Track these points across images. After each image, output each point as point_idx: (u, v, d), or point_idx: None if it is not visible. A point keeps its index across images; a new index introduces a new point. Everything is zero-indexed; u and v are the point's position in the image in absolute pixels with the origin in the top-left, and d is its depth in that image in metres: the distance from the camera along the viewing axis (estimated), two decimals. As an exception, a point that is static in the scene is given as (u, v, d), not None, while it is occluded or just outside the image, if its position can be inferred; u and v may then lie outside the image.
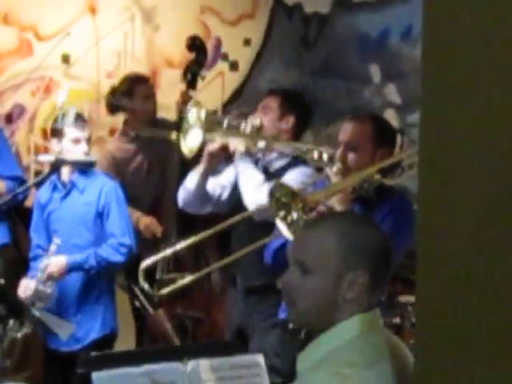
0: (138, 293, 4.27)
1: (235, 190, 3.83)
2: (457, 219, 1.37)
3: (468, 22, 1.35)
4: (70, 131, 4.08)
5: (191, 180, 3.90)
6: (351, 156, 3.42)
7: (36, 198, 4.35)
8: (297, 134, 3.91)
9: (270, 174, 3.77)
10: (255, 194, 3.59)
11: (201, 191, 3.89)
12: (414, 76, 4.50)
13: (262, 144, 3.78)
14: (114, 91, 4.95)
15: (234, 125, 3.86)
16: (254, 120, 3.83)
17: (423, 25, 1.41)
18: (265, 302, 3.75)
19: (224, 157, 3.91)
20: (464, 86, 1.36)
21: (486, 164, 1.34)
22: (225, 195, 3.93)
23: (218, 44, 5.43)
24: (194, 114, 3.80)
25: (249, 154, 3.78)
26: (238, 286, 3.90)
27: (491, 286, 1.34)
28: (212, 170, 3.91)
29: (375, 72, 5.07)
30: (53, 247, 3.99)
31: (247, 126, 3.80)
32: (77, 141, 4.06)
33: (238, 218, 3.52)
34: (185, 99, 4.44)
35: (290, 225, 3.03)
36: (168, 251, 3.79)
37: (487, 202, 1.33)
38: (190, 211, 4.02)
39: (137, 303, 4.39)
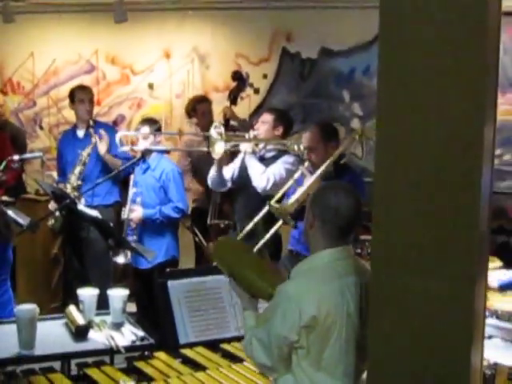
0: (197, 232, 6.06)
1: (241, 173, 5.40)
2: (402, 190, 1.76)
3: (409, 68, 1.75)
4: (143, 130, 5.79)
5: (212, 171, 5.49)
6: (313, 156, 4.82)
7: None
8: (284, 138, 5.28)
9: (265, 161, 5.31)
10: (260, 178, 5.17)
11: (219, 177, 5.48)
12: (370, 97, 6.63)
13: (261, 145, 5.36)
14: (188, 105, 6.97)
15: (242, 135, 5.45)
16: (254, 131, 5.34)
17: (379, 65, 1.82)
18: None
19: (227, 157, 5.53)
20: (404, 103, 1.79)
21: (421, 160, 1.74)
22: (235, 176, 5.48)
23: (247, 77, 7.21)
24: (215, 133, 5.14)
25: (253, 151, 5.30)
26: (238, 230, 5.26)
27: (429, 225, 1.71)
28: (221, 165, 5.44)
29: (346, 95, 7.18)
30: (137, 202, 5.72)
31: (250, 135, 5.31)
32: (145, 137, 5.75)
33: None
34: (228, 112, 6.47)
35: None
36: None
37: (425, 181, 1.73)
38: (215, 189, 5.75)
39: (196, 239, 6.10)
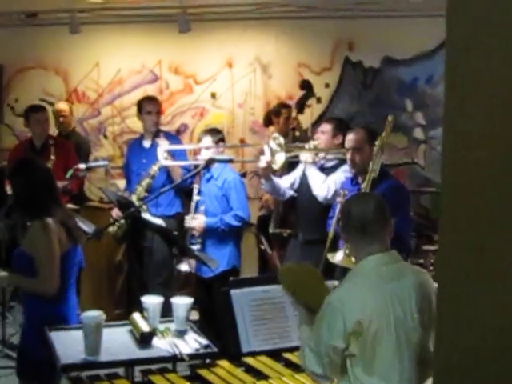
0: (263, 239, 6.22)
1: (302, 182, 5.51)
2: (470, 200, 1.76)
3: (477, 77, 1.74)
4: (205, 140, 5.87)
5: (263, 182, 5.66)
6: (357, 156, 4.88)
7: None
8: (344, 146, 5.15)
9: (325, 170, 5.42)
10: (320, 187, 5.26)
11: (273, 187, 5.58)
12: (434, 107, 6.67)
13: (321, 154, 5.46)
14: (266, 115, 7.23)
15: (302, 145, 5.53)
16: (314, 141, 5.43)
17: (446, 74, 1.81)
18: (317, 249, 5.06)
19: (271, 169, 5.48)
20: (472, 112, 1.79)
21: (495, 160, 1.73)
22: (295, 186, 5.60)
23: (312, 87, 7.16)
24: (275, 144, 5.29)
25: (313, 161, 5.41)
26: (299, 238, 5.46)
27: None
28: (267, 177, 5.49)
29: (409, 104, 7.14)
30: (201, 210, 5.79)
31: (310, 145, 5.42)
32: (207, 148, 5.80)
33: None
34: (295, 122, 6.56)
35: None
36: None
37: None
38: (271, 195, 6.01)
39: (261, 246, 6.28)
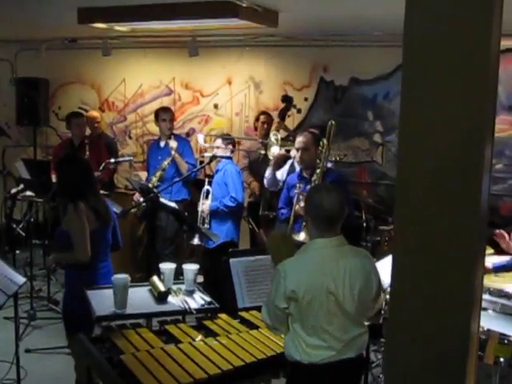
0: (251, 221, 6.17)
1: (288, 174, 5.38)
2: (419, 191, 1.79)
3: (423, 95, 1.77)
4: (217, 142, 5.95)
5: (268, 172, 5.64)
6: (305, 155, 4.83)
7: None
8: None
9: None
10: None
11: (273, 178, 5.59)
12: (389, 117, 6.90)
13: None
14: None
15: (292, 142, 5.34)
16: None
17: (402, 92, 1.83)
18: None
19: (282, 160, 5.59)
20: (421, 123, 1.81)
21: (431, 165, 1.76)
22: (284, 177, 5.47)
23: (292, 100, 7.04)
24: (273, 138, 5.43)
25: None
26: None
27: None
28: (277, 167, 5.55)
29: (370, 115, 7.07)
30: (208, 197, 5.83)
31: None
32: (218, 147, 5.88)
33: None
34: (279, 126, 6.30)
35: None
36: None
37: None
38: (269, 188, 5.82)
39: (250, 226, 6.21)
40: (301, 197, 4.69)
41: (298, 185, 4.83)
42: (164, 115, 6.41)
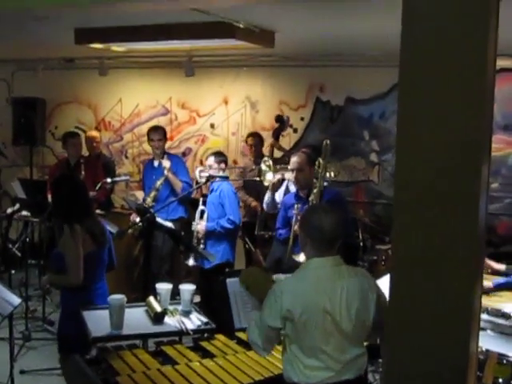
0: (247, 240, 6.18)
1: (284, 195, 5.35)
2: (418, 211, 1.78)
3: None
4: (209, 160, 5.90)
5: (267, 196, 5.57)
6: (300, 175, 4.85)
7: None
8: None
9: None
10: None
11: (273, 202, 5.53)
12: (385, 137, 6.92)
13: None
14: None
15: (285, 167, 5.30)
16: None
17: (398, 112, 1.83)
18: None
19: (279, 183, 5.51)
20: (419, 141, 1.78)
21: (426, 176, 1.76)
22: (280, 199, 5.39)
23: (288, 120, 7.41)
24: (264, 166, 5.36)
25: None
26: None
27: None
28: (274, 192, 5.49)
29: (366, 134, 7.12)
30: (204, 217, 5.80)
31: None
32: (210, 166, 5.83)
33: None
34: (273, 145, 6.45)
35: None
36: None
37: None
38: (268, 212, 5.72)
39: (247, 246, 6.23)
40: (299, 217, 4.67)
41: (296, 205, 4.82)
42: (152, 135, 6.41)
